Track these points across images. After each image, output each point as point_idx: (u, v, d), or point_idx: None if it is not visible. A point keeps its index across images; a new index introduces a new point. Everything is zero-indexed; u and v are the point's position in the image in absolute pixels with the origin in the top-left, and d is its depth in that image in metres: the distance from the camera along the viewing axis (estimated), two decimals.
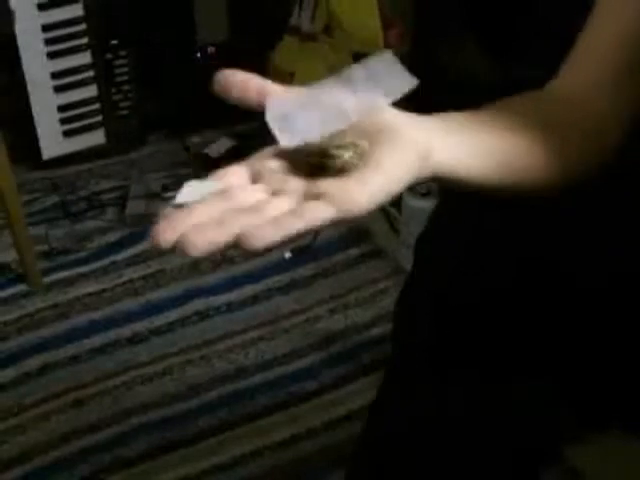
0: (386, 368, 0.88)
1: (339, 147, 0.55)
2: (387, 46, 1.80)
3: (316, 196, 0.51)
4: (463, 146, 0.60)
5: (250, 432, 1.38)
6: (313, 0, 1.95)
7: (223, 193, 0.52)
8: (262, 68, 2.06)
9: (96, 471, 1.33)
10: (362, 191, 0.51)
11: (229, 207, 0.51)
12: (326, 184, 0.52)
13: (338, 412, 1.41)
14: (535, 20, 1.56)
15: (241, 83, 0.55)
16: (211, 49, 2.02)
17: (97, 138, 1.98)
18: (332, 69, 1.92)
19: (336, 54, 1.92)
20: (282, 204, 0.51)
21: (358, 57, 1.88)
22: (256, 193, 0.52)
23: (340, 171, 0.54)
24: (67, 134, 1.93)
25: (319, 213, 0.50)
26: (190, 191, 0.52)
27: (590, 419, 0.77)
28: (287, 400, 1.43)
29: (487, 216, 0.75)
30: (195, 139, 2.08)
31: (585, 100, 0.69)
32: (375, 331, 1.56)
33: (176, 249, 0.50)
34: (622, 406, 0.77)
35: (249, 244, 0.48)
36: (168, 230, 0.50)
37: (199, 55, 2.02)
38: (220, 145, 2.01)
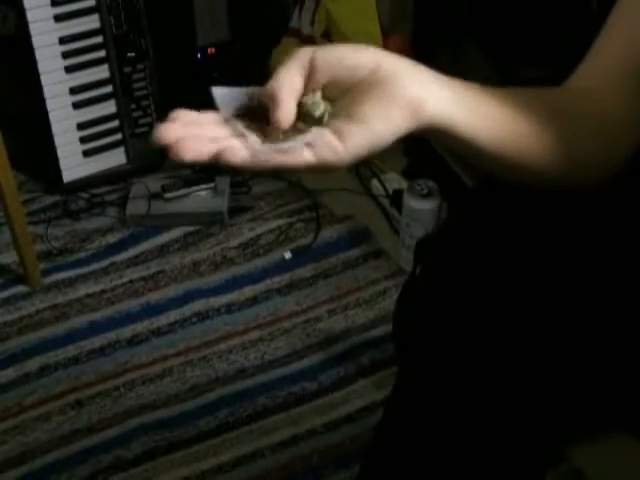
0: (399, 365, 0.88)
1: (313, 104, 0.58)
2: (386, 51, 1.80)
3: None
4: (462, 104, 0.60)
5: (250, 433, 1.38)
6: (314, 3, 1.95)
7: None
8: (261, 69, 2.06)
9: (96, 472, 1.33)
10: (343, 143, 0.54)
11: (224, 133, 0.57)
12: (310, 133, 0.55)
13: (338, 413, 1.41)
14: (535, 22, 1.56)
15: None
16: (211, 50, 2.02)
17: (118, 159, 1.94)
18: None
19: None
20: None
21: None
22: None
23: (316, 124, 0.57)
24: (87, 154, 1.89)
25: (299, 156, 0.54)
26: (224, 94, 0.61)
27: (592, 420, 0.77)
28: (287, 401, 1.43)
29: (493, 221, 0.75)
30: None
31: (600, 98, 0.68)
32: (375, 332, 1.56)
33: (170, 150, 0.59)
34: (623, 408, 0.76)
35: (228, 159, 0.55)
36: (170, 131, 0.59)
37: (199, 56, 2.02)
38: None
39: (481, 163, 0.66)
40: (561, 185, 0.69)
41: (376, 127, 0.55)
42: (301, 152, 0.54)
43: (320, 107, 0.57)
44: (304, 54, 0.59)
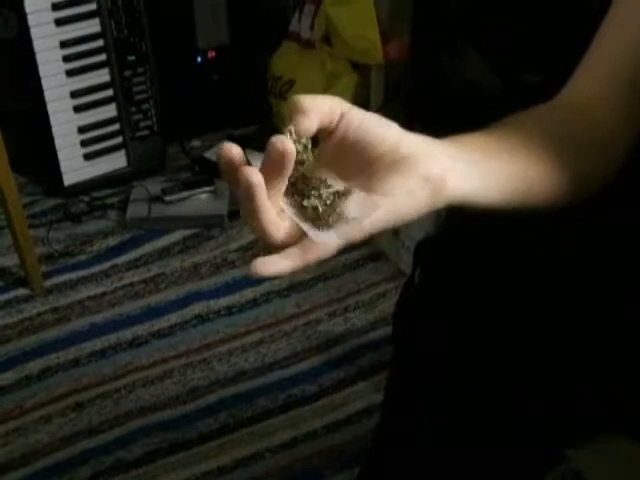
0: (390, 369, 0.88)
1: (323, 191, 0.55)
2: (386, 57, 1.81)
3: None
4: (476, 175, 0.61)
5: (250, 435, 1.39)
6: (313, 8, 1.95)
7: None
8: (261, 72, 2.07)
9: (97, 474, 1.33)
10: (370, 222, 0.54)
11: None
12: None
13: (338, 415, 1.41)
14: (535, 27, 1.57)
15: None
16: (211, 53, 2.03)
17: (118, 162, 1.95)
18: (331, 77, 1.93)
19: (335, 63, 1.92)
20: None
21: (357, 66, 1.90)
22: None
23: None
24: (88, 157, 1.90)
25: (328, 247, 0.54)
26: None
27: (592, 420, 0.77)
28: (287, 403, 1.44)
29: (492, 228, 0.75)
30: (195, 143, 2.08)
31: (593, 109, 0.69)
32: (375, 334, 1.56)
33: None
34: (623, 408, 0.77)
35: (258, 273, 0.53)
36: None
37: (199, 59, 2.03)
38: None
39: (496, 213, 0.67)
40: (566, 204, 0.69)
41: (400, 201, 0.56)
42: (328, 242, 0.54)
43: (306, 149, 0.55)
44: (340, 102, 0.56)
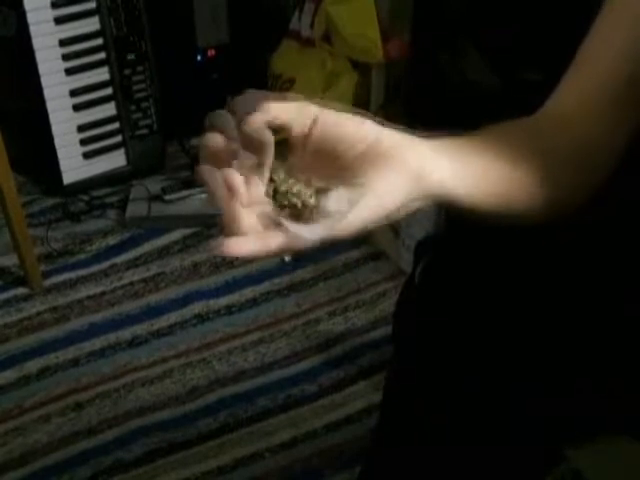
0: (389, 368, 0.88)
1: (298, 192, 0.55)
2: (387, 55, 1.80)
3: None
4: (458, 170, 0.61)
5: (250, 435, 1.38)
6: (313, 6, 1.95)
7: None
8: (261, 71, 2.06)
9: (96, 474, 1.33)
10: (353, 217, 0.53)
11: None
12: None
13: (338, 415, 1.41)
14: (535, 25, 1.56)
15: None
16: (211, 52, 2.02)
17: (118, 160, 1.94)
18: (331, 76, 1.93)
19: (335, 61, 1.92)
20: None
21: (357, 65, 1.90)
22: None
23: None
24: (87, 156, 1.89)
25: (307, 232, 0.53)
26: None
27: (592, 420, 0.77)
28: (287, 403, 1.44)
29: (492, 227, 0.75)
30: (195, 141, 2.08)
31: (577, 121, 0.69)
32: (375, 334, 1.56)
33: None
34: (623, 408, 0.77)
35: (231, 252, 0.54)
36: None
37: (199, 57, 2.02)
38: None
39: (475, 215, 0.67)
40: (549, 216, 0.69)
41: (382, 194, 0.55)
42: (317, 230, 0.53)
43: (312, 196, 0.55)
44: (309, 106, 0.56)
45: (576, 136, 0.69)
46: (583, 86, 0.71)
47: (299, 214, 0.55)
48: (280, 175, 0.56)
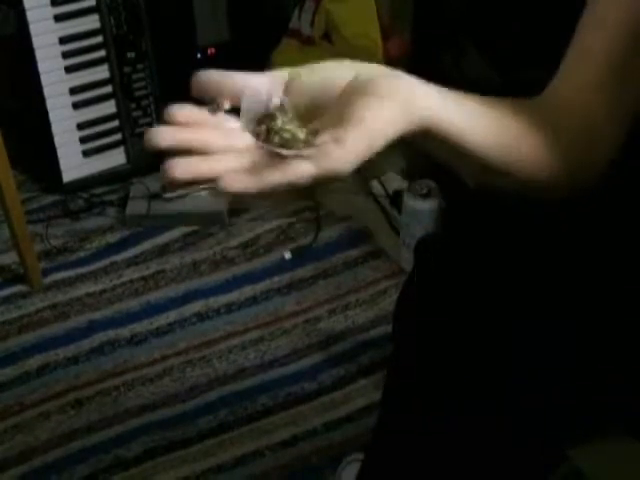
0: (389, 367, 0.88)
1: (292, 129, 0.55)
2: (387, 54, 1.80)
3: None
4: (450, 101, 0.60)
5: (250, 433, 1.39)
6: (314, 4, 1.95)
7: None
8: (261, 69, 2.06)
9: (96, 471, 1.33)
10: (341, 148, 0.52)
11: (222, 144, 0.54)
12: (305, 145, 0.53)
13: (338, 413, 1.41)
14: (535, 24, 1.56)
15: (216, 85, 0.55)
16: (211, 50, 2.02)
17: (117, 159, 1.94)
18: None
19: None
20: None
21: None
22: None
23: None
24: (87, 154, 1.89)
25: (299, 169, 0.51)
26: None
27: (592, 420, 0.77)
28: (287, 401, 1.44)
29: (492, 224, 0.75)
30: None
31: (580, 104, 0.69)
32: (375, 332, 1.56)
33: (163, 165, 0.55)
34: (624, 408, 0.77)
35: (226, 186, 0.51)
36: (165, 135, 0.57)
37: (199, 56, 2.02)
38: None
39: (468, 168, 0.66)
40: (548, 191, 0.69)
41: (371, 124, 0.54)
42: (300, 165, 0.51)
43: (301, 130, 0.55)
44: (281, 72, 0.58)
45: (578, 119, 0.69)
46: (580, 70, 0.71)
47: (289, 148, 0.54)
48: (275, 118, 0.56)
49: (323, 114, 0.56)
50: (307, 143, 0.53)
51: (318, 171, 0.52)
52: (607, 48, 0.69)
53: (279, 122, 0.55)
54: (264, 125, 0.55)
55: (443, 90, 0.61)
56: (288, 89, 0.57)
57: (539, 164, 0.66)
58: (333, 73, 0.57)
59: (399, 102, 0.55)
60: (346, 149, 0.52)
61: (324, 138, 0.53)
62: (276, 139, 0.54)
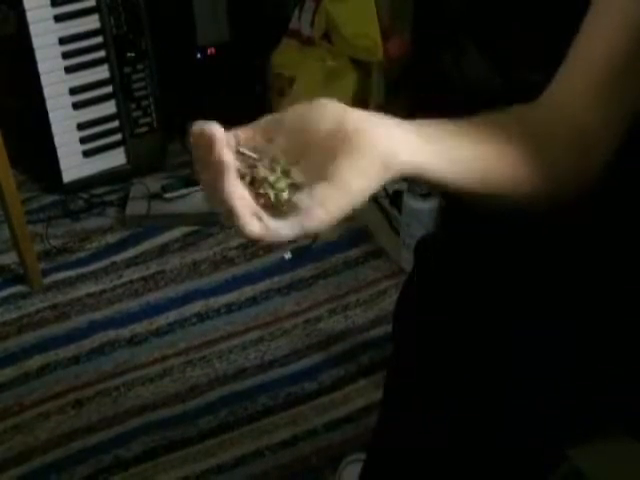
0: (389, 367, 0.88)
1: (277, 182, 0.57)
2: (387, 54, 1.80)
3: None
4: (430, 150, 0.61)
5: (250, 433, 1.38)
6: (314, 5, 1.95)
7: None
8: (261, 69, 2.06)
9: (96, 471, 1.33)
10: (325, 209, 0.55)
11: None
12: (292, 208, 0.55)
13: (338, 413, 1.41)
14: (535, 25, 1.56)
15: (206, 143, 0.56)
16: (211, 50, 2.02)
17: (117, 159, 1.94)
18: (331, 75, 1.93)
19: (335, 60, 1.92)
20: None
21: (357, 63, 1.90)
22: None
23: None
24: (87, 154, 1.89)
25: (282, 230, 0.55)
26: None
27: (593, 420, 0.77)
28: (287, 401, 1.44)
29: (492, 224, 0.75)
30: None
31: (576, 109, 0.69)
32: (375, 332, 1.56)
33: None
34: (625, 408, 0.77)
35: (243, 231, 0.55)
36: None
37: (199, 56, 2.02)
38: None
39: (459, 196, 0.67)
40: (545, 203, 0.70)
41: (354, 188, 0.56)
42: (281, 228, 0.55)
43: (283, 182, 0.57)
44: (268, 118, 0.60)
45: (575, 124, 0.69)
46: (579, 75, 0.71)
47: (272, 205, 0.57)
48: (262, 164, 0.57)
49: (308, 152, 0.58)
50: (289, 205, 0.56)
51: (299, 232, 0.55)
52: (608, 53, 0.69)
53: (261, 172, 0.57)
54: (249, 172, 0.57)
55: (421, 129, 0.61)
56: (273, 132, 0.58)
57: (532, 180, 0.67)
58: (321, 113, 0.58)
59: (381, 160, 0.57)
60: (328, 212, 0.56)
61: (306, 201, 0.55)
62: (260, 190, 0.57)
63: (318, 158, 0.57)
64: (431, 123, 0.63)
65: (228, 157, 0.54)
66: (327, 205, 0.55)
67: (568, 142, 0.69)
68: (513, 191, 0.67)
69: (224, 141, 0.55)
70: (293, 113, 0.58)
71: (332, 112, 0.58)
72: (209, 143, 0.54)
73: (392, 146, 0.58)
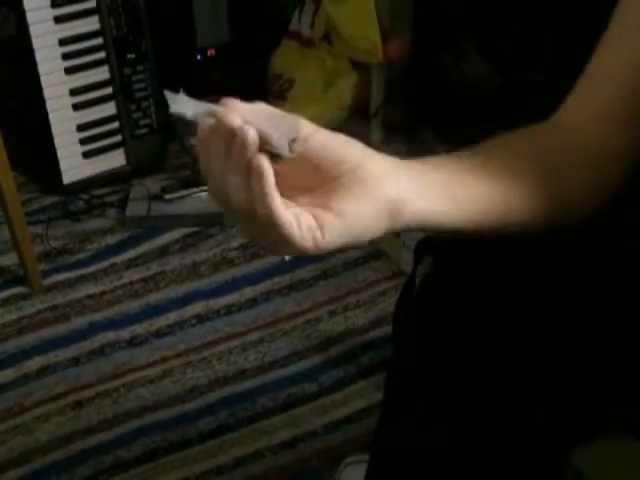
0: (389, 368, 0.88)
1: None
2: (387, 56, 1.80)
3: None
4: (441, 203, 0.61)
5: (250, 434, 1.38)
6: (314, 6, 1.95)
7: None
8: (261, 70, 2.06)
9: (96, 473, 1.33)
10: (322, 235, 0.55)
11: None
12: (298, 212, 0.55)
13: (338, 414, 1.41)
14: (535, 26, 1.56)
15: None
16: (211, 51, 2.02)
17: (117, 160, 1.94)
18: (331, 76, 1.93)
19: (335, 61, 1.92)
20: None
21: (357, 65, 1.90)
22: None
23: None
24: (87, 155, 1.89)
25: (276, 251, 0.56)
26: (184, 104, 0.56)
27: (593, 420, 0.77)
28: (287, 402, 1.43)
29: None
30: (195, 141, 2.07)
31: (587, 133, 0.68)
32: (375, 333, 1.56)
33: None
34: (625, 408, 0.77)
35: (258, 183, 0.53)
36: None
37: (199, 57, 2.02)
38: None
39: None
40: (558, 224, 0.69)
41: (353, 226, 0.56)
42: (279, 246, 0.55)
43: None
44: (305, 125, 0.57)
45: (585, 147, 0.68)
46: (593, 95, 0.70)
47: None
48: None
49: (312, 178, 0.57)
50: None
51: (293, 253, 0.56)
52: (633, 77, 0.67)
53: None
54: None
55: (435, 181, 0.62)
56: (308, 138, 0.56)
57: (543, 207, 0.66)
58: (344, 151, 0.57)
59: (388, 209, 0.57)
60: (325, 239, 0.55)
61: (311, 223, 0.55)
62: None
63: (326, 188, 0.57)
64: (442, 166, 0.63)
65: (264, 161, 0.53)
66: (325, 232, 0.55)
67: (587, 166, 0.68)
68: (526, 225, 0.67)
69: (257, 143, 0.53)
70: (314, 142, 0.56)
71: (356, 153, 0.57)
72: (241, 144, 0.53)
73: (402, 200, 0.58)
